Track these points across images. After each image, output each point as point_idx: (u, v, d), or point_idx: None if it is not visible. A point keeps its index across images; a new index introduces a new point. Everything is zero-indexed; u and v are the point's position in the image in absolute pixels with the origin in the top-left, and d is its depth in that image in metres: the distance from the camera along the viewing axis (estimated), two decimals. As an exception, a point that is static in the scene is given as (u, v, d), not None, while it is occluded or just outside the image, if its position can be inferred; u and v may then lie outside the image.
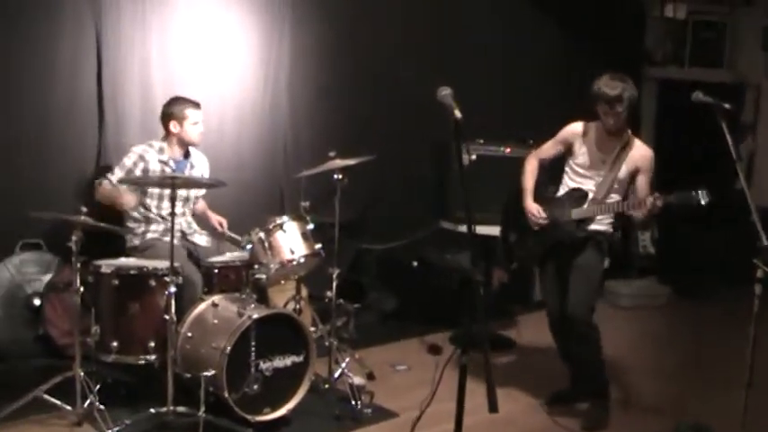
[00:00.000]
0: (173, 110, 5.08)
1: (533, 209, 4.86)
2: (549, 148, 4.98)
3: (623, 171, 4.67)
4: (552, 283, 4.92)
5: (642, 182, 4.68)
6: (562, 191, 4.89)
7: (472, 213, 3.18)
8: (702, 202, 4.14)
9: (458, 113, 3.18)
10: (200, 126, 5.16)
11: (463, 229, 3.20)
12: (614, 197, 4.72)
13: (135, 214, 5.07)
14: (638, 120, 8.17)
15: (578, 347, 4.82)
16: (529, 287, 7.46)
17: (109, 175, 5.03)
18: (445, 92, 3.27)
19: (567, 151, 4.89)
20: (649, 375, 5.77)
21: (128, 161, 5.03)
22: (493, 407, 2.96)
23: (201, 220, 5.45)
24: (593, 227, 4.73)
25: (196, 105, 5.14)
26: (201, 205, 5.50)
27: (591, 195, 4.71)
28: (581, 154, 4.81)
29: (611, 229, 4.84)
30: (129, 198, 4.93)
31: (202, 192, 5.42)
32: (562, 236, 4.76)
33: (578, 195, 4.76)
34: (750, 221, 3.74)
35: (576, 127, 4.86)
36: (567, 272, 4.77)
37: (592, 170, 4.75)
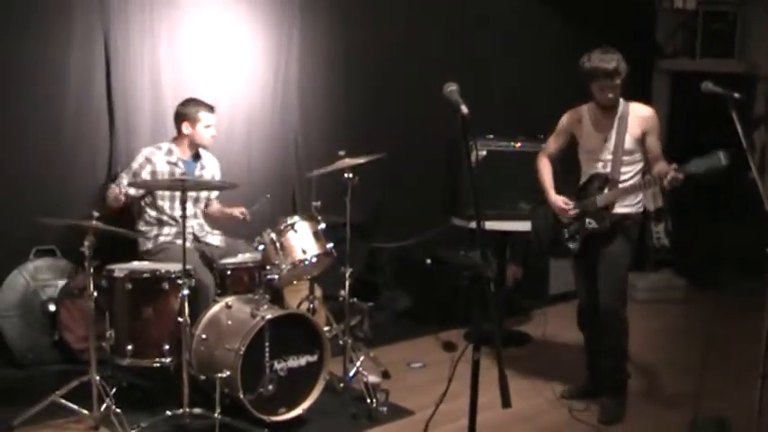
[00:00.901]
0: (187, 110, 5.12)
1: (559, 201, 4.85)
2: (552, 143, 5.01)
3: (628, 141, 4.64)
4: (583, 275, 4.91)
5: (652, 143, 4.65)
6: (583, 179, 4.88)
7: (481, 209, 3.16)
8: (724, 163, 4.08)
9: (464, 109, 3.16)
10: (213, 129, 5.19)
11: (474, 225, 3.18)
12: (629, 169, 4.68)
13: (147, 217, 5.10)
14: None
15: (607, 339, 4.79)
16: (544, 282, 7.45)
17: (119, 180, 5.05)
18: (451, 87, 3.24)
19: (573, 140, 4.90)
20: (666, 368, 5.74)
21: (134, 164, 5.06)
22: (506, 402, 2.96)
23: (220, 219, 5.46)
24: (619, 210, 4.70)
25: (210, 108, 5.17)
26: (216, 206, 5.49)
27: (609, 177, 4.69)
28: (583, 139, 4.83)
29: (641, 210, 4.82)
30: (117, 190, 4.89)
31: (215, 193, 5.43)
32: (594, 226, 4.73)
33: (599, 181, 4.73)
34: (765, 211, 3.71)
35: (568, 115, 4.91)
36: (597, 262, 4.75)
37: (598, 152, 4.74)
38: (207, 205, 5.41)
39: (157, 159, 5.06)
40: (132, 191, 4.93)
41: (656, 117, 4.72)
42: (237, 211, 5.38)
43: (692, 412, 4.60)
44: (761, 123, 8.93)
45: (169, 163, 5.07)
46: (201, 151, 5.27)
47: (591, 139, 4.77)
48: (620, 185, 4.65)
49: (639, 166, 4.71)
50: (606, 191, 4.69)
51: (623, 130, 4.64)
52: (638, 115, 4.67)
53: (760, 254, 3.75)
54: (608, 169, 4.70)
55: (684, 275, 8.05)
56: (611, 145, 4.67)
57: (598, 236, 4.73)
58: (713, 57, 9.05)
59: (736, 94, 3.88)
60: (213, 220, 5.43)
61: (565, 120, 4.93)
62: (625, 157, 4.66)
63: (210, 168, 5.33)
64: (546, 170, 5.00)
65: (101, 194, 5.17)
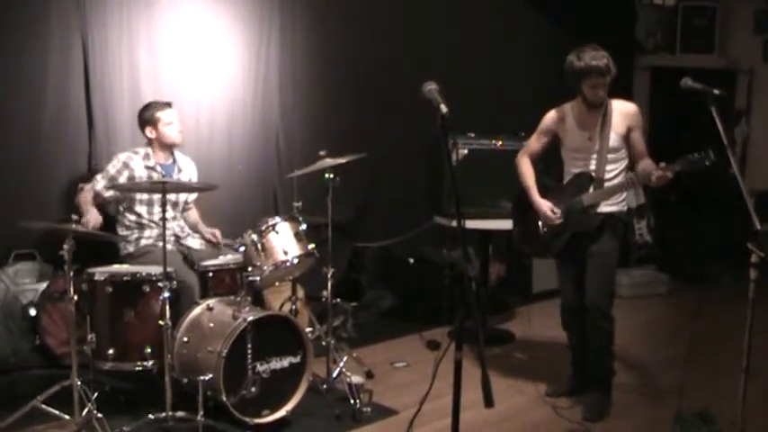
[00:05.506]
0: (144, 115, 5.08)
1: (546, 209, 4.78)
2: (534, 143, 4.95)
3: (613, 138, 4.62)
4: (569, 274, 4.89)
5: (636, 138, 4.65)
6: (567, 178, 4.86)
7: (462, 208, 3.15)
8: (712, 161, 4.12)
9: (444, 108, 3.15)
10: (177, 125, 5.12)
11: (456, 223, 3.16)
12: (614, 167, 4.67)
13: (126, 222, 5.06)
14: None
15: (593, 338, 4.79)
16: (527, 280, 7.44)
17: (93, 183, 5.01)
18: (430, 86, 3.23)
19: (556, 139, 4.86)
20: (650, 363, 5.76)
21: (111, 169, 5.01)
22: (488, 402, 2.94)
23: (195, 232, 5.42)
24: (605, 209, 4.69)
25: (167, 105, 5.11)
26: (194, 215, 5.45)
27: (594, 176, 4.67)
28: (567, 138, 4.79)
29: (625, 208, 4.81)
30: (90, 218, 4.83)
31: (193, 196, 5.38)
32: (580, 226, 4.72)
33: (584, 179, 4.71)
34: (746, 206, 3.70)
35: (552, 114, 4.85)
36: (584, 261, 4.73)
37: (583, 151, 4.72)
38: (185, 209, 5.37)
39: (135, 164, 5.02)
40: (108, 194, 4.90)
41: (640, 113, 4.72)
42: (209, 233, 5.35)
43: (676, 407, 4.61)
44: (741, 118, 8.97)
45: (147, 167, 5.03)
46: (177, 154, 5.23)
47: (575, 138, 4.74)
48: (607, 185, 4.64)
49: (624, 163, 4.70)
50: (592, 190, 4.67)
51: (608, 128, 4.62)
52: (622, 112, 4.66)
53: (742, 248, 3.75)
54: (593, 167, 4.69)
55: (667, 270, 8.08)
56: (596, 143, 4.65)
57: (584, 235, 4.72)
58: (693, 52, 9.10)
59: (716, 91, 3.87)
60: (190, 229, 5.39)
61: (548, 119, 4.86)
62: (610, 155, 4.64)
63: (187, 171, 5.28)
64: (528, 171, 4.93)
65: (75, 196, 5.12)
